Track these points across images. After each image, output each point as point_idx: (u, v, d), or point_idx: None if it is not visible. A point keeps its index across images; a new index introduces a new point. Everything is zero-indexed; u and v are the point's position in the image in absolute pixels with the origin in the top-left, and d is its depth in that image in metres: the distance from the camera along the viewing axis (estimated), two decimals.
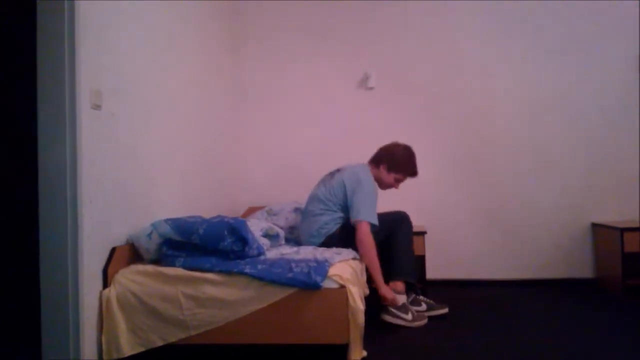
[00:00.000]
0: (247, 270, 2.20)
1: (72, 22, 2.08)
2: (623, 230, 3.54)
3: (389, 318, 2.92)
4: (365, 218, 2.93)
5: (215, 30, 3.83)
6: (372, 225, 2.95)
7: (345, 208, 3.06)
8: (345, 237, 2.97)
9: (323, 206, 3.11)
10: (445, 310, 3.13)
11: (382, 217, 3.05)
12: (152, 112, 2.74)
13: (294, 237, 3.36)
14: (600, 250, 3.89)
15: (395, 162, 3.22)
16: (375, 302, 2.93)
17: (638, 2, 3.94)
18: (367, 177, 3.13)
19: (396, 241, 3.08)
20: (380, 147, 3.31)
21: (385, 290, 2.90)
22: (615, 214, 3.92)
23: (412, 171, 3.24)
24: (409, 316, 2.93)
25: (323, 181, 3.26)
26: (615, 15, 3.98)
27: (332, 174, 3.25)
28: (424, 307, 3.11)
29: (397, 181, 3.26)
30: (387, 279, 2.98)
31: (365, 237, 2.89)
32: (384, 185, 3.27)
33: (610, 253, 3.70)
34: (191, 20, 3.37)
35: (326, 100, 4.22)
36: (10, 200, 2.49)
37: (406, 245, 3.11)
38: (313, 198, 3.21)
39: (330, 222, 3.06)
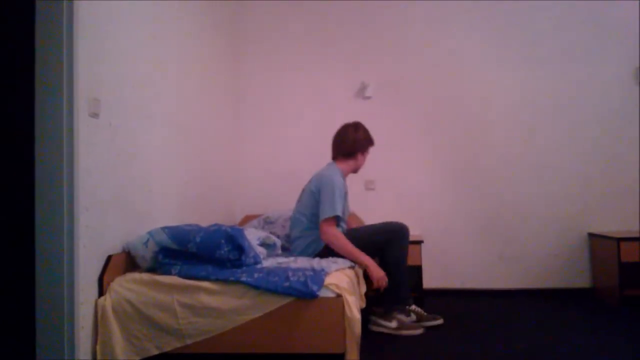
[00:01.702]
0: (244, 279, 2.20)
1: (71, 29, 2.09)
2: (620, 240, 3.54)
3: (372, 327, 2.92)
4: (326, 215, 2.88)
5: (214, 40, 3.85)
6: (337, 218, 2.92)
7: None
8: (332, 251, 2.93)
9: (300, 227, 3.08)
10: (439, 322, 3.09)
11: (378, 228, 3.02)
12: (149, 121, 2.74)
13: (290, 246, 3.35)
14: (597, 260, 3.89)
15: (364, 143, 3.21)
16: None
17: (638, 12, 3.97)
18: (330, 172, 3.08)
19: (388, 261, 3.00)
20: (341, 140, 3.22)
21: (374, 269, 2.85)
22: (612, 224, 3.92)
23: (372, 142, 3.27)
24: (393, 324, 2.92)
25: (298, 200, 3.23)
26: (615, 25, 4.01)
27: (303, 189, 3.24)
28: (413, 317, 3.06)
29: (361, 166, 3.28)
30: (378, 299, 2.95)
31: (330, 236, 2.86)
32: (357, 169, 3.27)
33: (607, 263, 3.70)
34: (191, 29, 3.39)
35: (324, 110, 4.23)
36: (6, 208, 2.48)
37: (397, 267, 2.99)
38: (292, 221, 3.19)
39: (312, 243, 3.02)
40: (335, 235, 2.88)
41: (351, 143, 3.19)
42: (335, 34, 4.27)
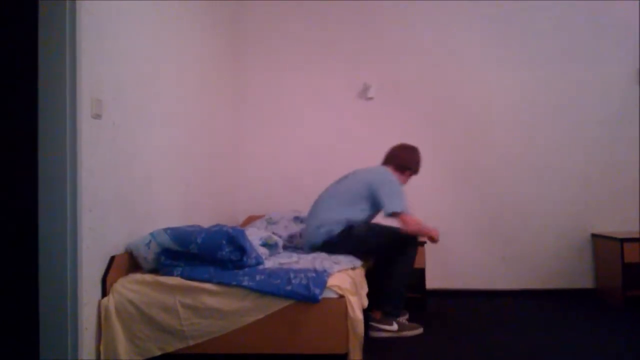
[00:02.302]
0: (246, 283, 2.20)
1: (74, 29, 2.09)
2: (623, 241, 3.53)
3: (373, 333, 2.89)
4: (399, 209, 2.96)
5: (216, 40, 3.85)
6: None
7: (368, 204, 3.07)
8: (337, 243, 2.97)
9: (341, 200, 3.11)
10: (419, 331, 3.00)
11: (396, 234, 3.01)
12: (151, 121, 2.75)
13: (293, 246, 3.35)
14: (600, 260, 3.88)
15: (416, 167, 3.31)
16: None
17: (638, 13, 3.96)
18: (389, 172, 3.18)
19: (395, 269, 3.00)
20: (400, 152, 3.32)
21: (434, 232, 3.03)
22: (615, 225, 3.91)
23: (417, 172, 3.36)
24: (394, 327, 2.92)
25: (337, 182, 3.26)
26: (616, 27, 4.01)
27: (346, 177, 3.26)
28: (395, 327, 2.97)
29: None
30: (374, 304, 2.94)
31: (414, 225, 2.97)
32: None
33: (610, 264, 3.69)
34: (193, 31, 3.39)
35: (326, 111, 4.23)
36: (9, 209, 2.49)
37: (402, 277, 3.01)
38: (329, 196, 3.20)
39: (331, 229, 3.03)
40: (417, 222, 3.01)
41: (409, 159, 3.29)
42: (336, 34, 4.26)
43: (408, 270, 3.04)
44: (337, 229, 3.02)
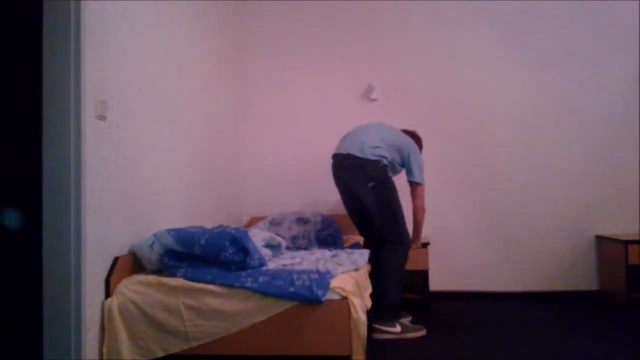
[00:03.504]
0: (249, 284, 2.20)
1: (78, 30, 2.10)
2: (627, 243, 3.52)
3: (376, 335, 2.89)
4: (421, 181, 3.20)
5: (220, 42, 3.86)
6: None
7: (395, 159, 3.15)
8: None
9: (386, 143, 3.13)
10: (422, 333, 3.01)
11: (402, 224, 3.08)
12: (155, 123, 2.75)
13: (296, 247, 3.35)
14: (604, 262, 3.87)
15: (418, 150, 3.35)
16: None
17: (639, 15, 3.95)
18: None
19: (385, 270, 2.99)
20: (413, 133, 3.46)
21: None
22: (619, 226, 3.90)
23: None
24: (397, 328, 2.92)
25: (370, 126, 3.29)
26: (619, 27, 4.00)
27: (373, 125, 3.31)
28: (398, 328, 2.97)
29: None
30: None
31: (423, 202, 3.22)
32: None
33: (614, 265, 3.68)
34: (196, 32, 3.40)
35: (330, 112, 4.23)
36: (14, 210, 2.49)
37: (392, 278, 3.00)
38: (378, 129, 3.24)
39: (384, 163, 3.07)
40: (423, 206, 3.23)
41: (417, 141, 3.42)
42: (340, 35, 4.27)
43: (399, 270, 3.03)
44: (384, 162, 3.06)
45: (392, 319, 2.96)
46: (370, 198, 3.00)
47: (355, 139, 3.14)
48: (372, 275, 2.98)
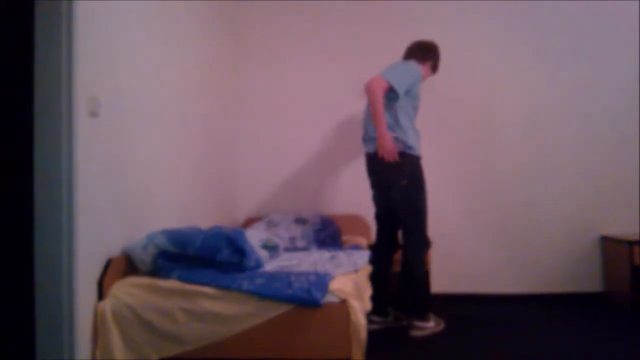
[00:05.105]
0: (245, 286, 2.14)
1: (70, 28, 2.06)
2: (632, 244, 3.47)
3: (416, 332, 2.96)
4: (384, 75, 2.93)
5: (216, 39, 3.81)
6: (392, 88, 2.94)
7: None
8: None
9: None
10: (443, 325, 3.14)
11: (424, 225, 3.11)
12: (149, 122, 2.70)
13: (294, 248, 3.31)
14: (609, 263, 3.81)
15: (437, 61, 3.32)
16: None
17: None
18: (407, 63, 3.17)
19: (413, 271, 3.06)
20: (419, 43, 3.31)
21: (384, 139, 2.89)
22: (624, 227, 3.84)
23: (437, 67, 3.37)
24: (432, 323, 3.02)
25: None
26: (622, 25, 3.94)
27: None
28: (432, 323, 3.08)
29: (424, 79, 3.30)
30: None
31: (373, 87, 2.89)
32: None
33: (619, 267, 3.63)
34: (191, 30, 3.35)
35: (328, 111, 4.16)
36: (5, 210, 2.45)
37: (420, 278, 3.10)
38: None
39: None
40: (376, 95, 2.88)
41: (426, 48, 3.28)
42: (338, 33, 4.19)
43: (422, 268, 3.12)
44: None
45: (426, 314, 3.04)
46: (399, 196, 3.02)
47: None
48: (373, 277, 2.94)
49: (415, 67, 3.12)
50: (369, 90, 2.90)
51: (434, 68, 3.35)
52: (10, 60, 2.38)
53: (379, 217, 3.28)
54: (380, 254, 3.15)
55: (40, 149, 2.06)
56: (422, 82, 3.27)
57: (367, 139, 3.13)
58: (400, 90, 2.94)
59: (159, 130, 2.81)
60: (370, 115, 3.00)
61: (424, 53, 3.25)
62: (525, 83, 4.03)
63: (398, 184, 2.98)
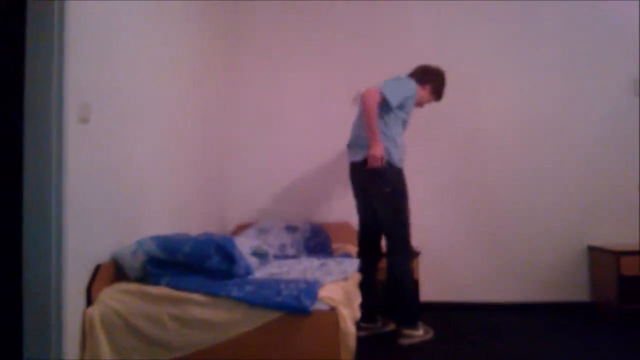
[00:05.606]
0: (234, 293, 2.14)
1: (62, 30, 2.05)
2: (619, 254, 3.50)
3: (405, 341, 2.96)
4: (380, 88, 2.98)
5: (209, 43, 3.81)
6: (386, 101, 3.00)
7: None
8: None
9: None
10: (432, 334, 3.12)
11: (406, 229, 3.09)
12: (140, 127, 2.70)
13: (284, 255, 3.30)
14: (597, 273, 3.84)
15: (439, 86, 3.32)
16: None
17: (638, 23, 3.95)
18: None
19: (399, 277, 3.08)
20: (423, 66, 3.35)
21: (377, 148, 2.93)
22: (612, 237, 3.87)
23: (440, 95, 3.39)
24: (421, 332, 3.01)
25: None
26: (615, 36, 3.99)
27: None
28: (421, 331, 3.07)
29: (424, 103, 3.36)
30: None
31: (367, 99, 2.94)
32: (418, 103, 3.30)
33: (606, 276, 3.65)
34: (185, 33, 3.35)
35: (320, 118, 4.17)
36: None
37: (408, 284, 3.11)
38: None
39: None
40: (369, 102, 2.93)
41: (429, 72, 3.32)
42: (334, 37, 4.21)
43: (411, 277, 3.14)
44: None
45: (416, 322, 3.05)
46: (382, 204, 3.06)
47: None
48: (362, 286, 2.95)
49: (411, 84, 3.18)
50: (363, 101, 2.96)
51: (437, 94, 3.37)
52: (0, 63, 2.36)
53: (362, 227, 3.30)
54: (364, 262, 3.15)
55: (30, 154, 2.05)
56: (423, 105, 3.36)
57: (355, 145, 3.15)
58: (393, 102, 3.01)
59: (150, 135, 2.80)
60: (363, 124, 3.03)
61: (424, 76, 3.31)
62: (515, 96, 4.06)
63: (382, 192, 3.01)
